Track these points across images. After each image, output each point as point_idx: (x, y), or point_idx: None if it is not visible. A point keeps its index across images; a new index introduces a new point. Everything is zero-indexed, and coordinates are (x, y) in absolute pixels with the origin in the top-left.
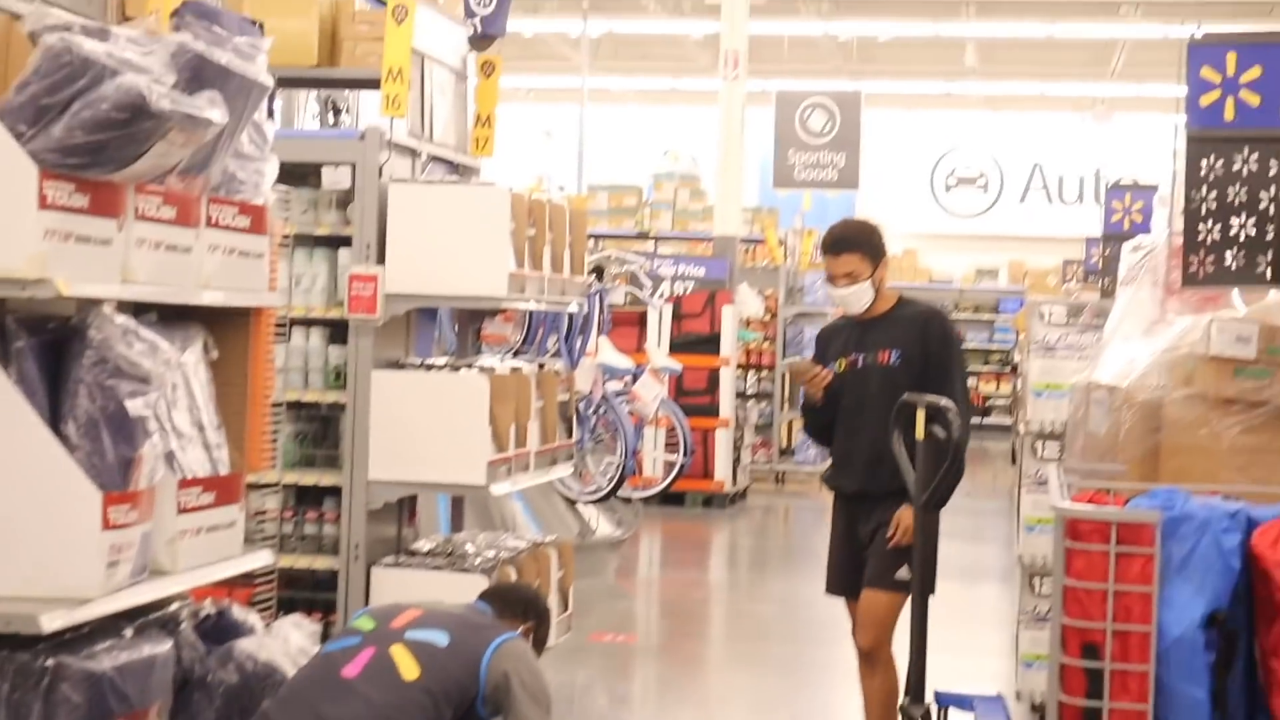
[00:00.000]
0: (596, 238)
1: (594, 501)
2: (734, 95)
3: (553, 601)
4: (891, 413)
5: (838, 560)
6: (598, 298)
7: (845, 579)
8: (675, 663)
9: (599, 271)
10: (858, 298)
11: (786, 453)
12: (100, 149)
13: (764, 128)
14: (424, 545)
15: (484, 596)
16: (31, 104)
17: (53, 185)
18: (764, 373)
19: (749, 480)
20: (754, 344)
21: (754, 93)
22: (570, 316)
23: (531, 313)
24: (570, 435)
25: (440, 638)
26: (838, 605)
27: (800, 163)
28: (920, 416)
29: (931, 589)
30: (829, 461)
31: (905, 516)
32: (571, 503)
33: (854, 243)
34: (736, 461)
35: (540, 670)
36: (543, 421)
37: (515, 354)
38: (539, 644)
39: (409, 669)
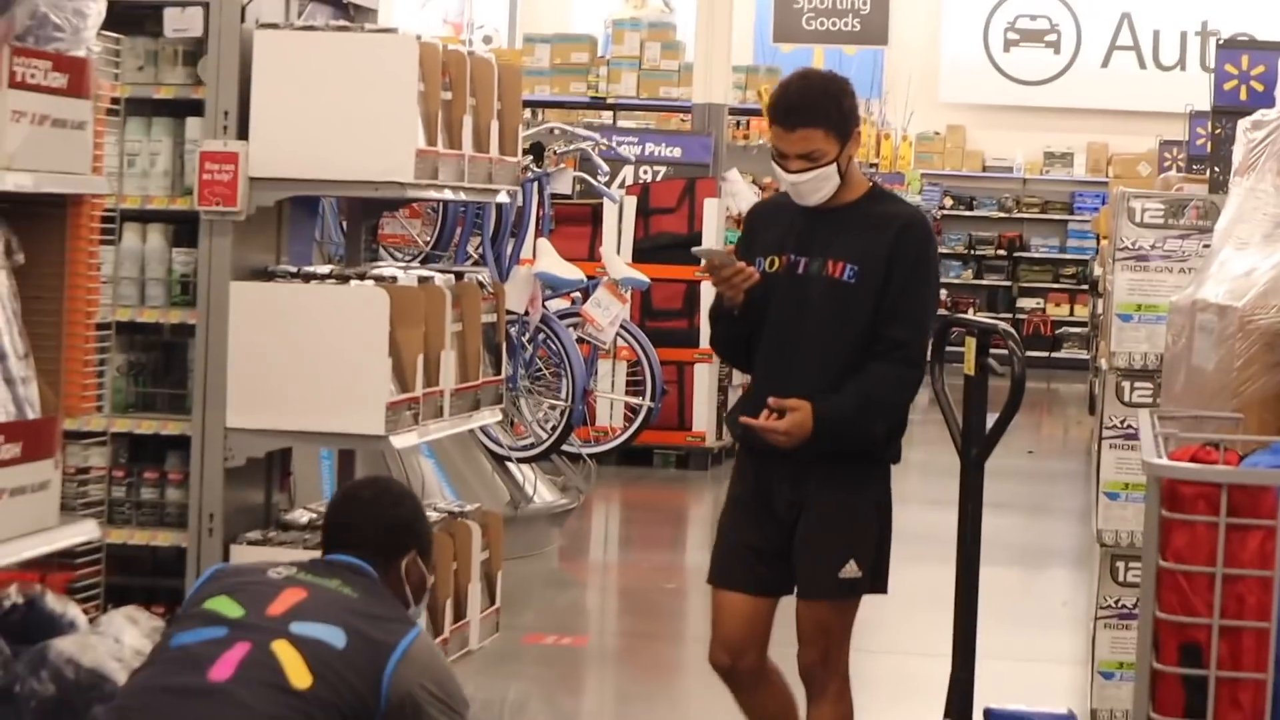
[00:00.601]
0: (535, 106)
1: (531, 459)
2: None
3: (474, 592)
4: (839, 344)
5: (732, 539)
6: (535, 186)
7: (738, 566)
8: (637, 672)
9: (538, 151)
10: (817, 186)
11: None
12: None
13: None
14: (301, 516)
15: (350, 547)
16: None
17: None
18: None
19: None
20: None
21: None
22: (499, 210)
23: (447, 205)
24: (498, 370)
25: (334, 636)
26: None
27: (810, 9)
28: (970, 345)
29: (883, 584)
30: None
31: (801, 415)
32: (501, 461)
33: (816, 111)
34: (722, 406)
35: (451, 672)
36: (461, 351)
37: (425, 261)
38: (426, 558)
39: (298, 675)
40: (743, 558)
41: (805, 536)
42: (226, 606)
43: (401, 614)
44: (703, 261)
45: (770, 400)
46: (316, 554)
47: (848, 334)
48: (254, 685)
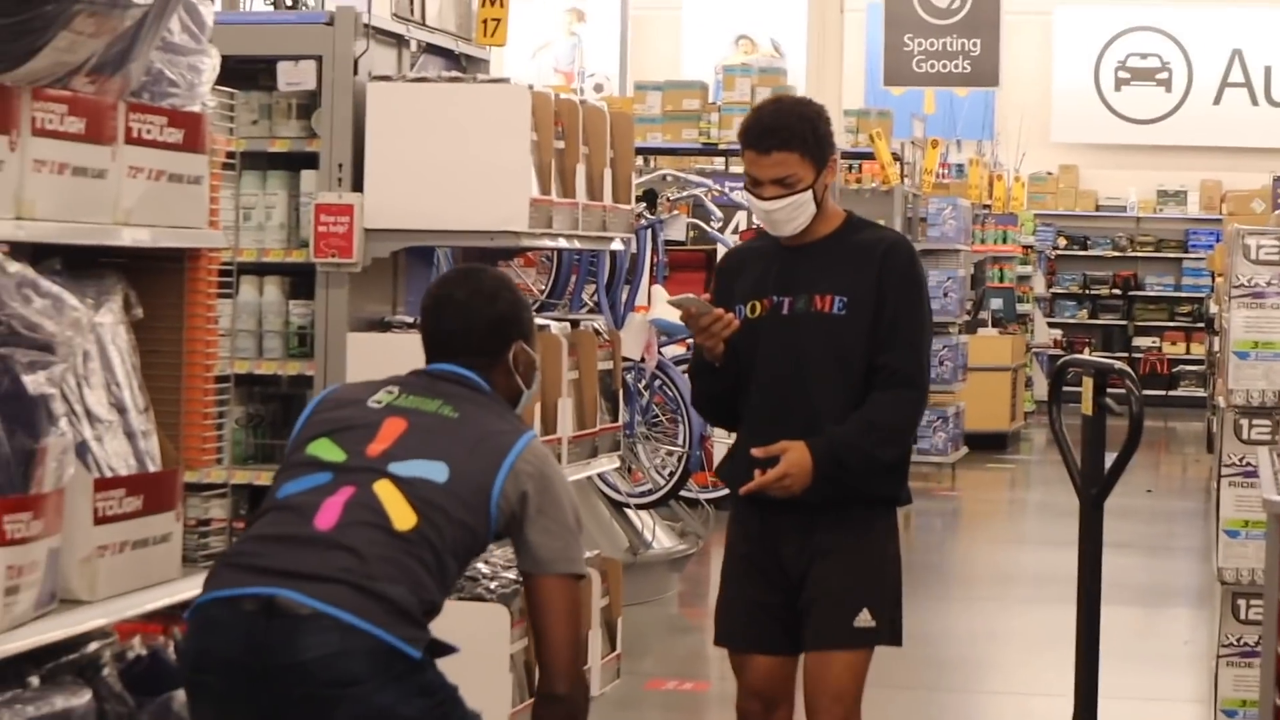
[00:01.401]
0: (647, 153)
1: (649, 505)
2: None
3: (595, 640)
4: (837, 382)
5: (740, 598)
6: (649, 233)
7: (753, 627)
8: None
9: (651, 198)
10: (791, 215)
11: None
12: None
13: (870, 5)
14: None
15: (453, 354)
16: None
17: None
18: None
19: None
20: None
21: None
22: (613, 258)
23: (561, 253)
24: (615, 417)
25: (436, 471)
26: (973, 646)
27: (920, 51)
28: (1087, 386)
29: (899, 636)
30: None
31: (796, 454)
32: (619, 507)
33: (791, 134)
34: None
35: (562, 479)
36: (578, 399)
37: (540, 309)
38: (530, 341)
39: (402, 515)
40: (754, 617)
41: (816, 586)
42: (328, 450)
43: (510, 424)
44: (680, 309)
45: (754, 452)
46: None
47: (846, 369)
48: (359, 530)
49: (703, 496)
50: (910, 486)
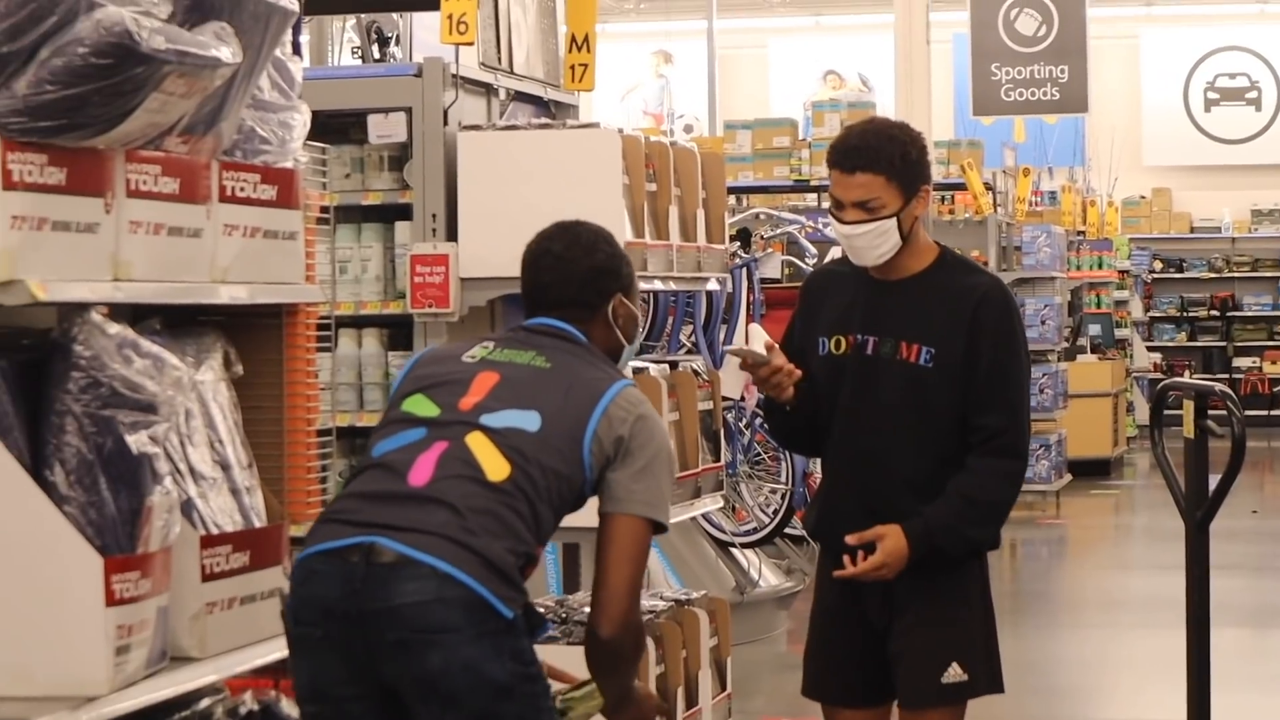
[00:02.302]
0: (739, 192)
1: (754, 544)
2: None
3: (705, 680)
4: (920, 433)
5: (829, 649)
6: (744, 272)
7: (841, 678)
8: None
9: (745, 237)
10: (874, 243)
11: None
12: (78, 106)
13: (956, 36)
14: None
15: (553, 307)
16: None
17: (19, 157)
18: None
19: None
20: None
21: None
22: (710, 298)
23: (657, 295)
24: (717, 457)
25: (528, 420)
26: (1083, 673)
27: (1007, 80)
28: (1188, 409)
29: (998, 683)
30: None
31: (893, 541)
32: (724, 547)
33: (877, 155)
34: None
35: (660, 424)
36: (680, 440)
37: (639, 352)
38: (631, 295)
39: (495, 466)
40: (841, 671)
41: (901, 642)
42: (422, 406)
43: (604, 371)
44: (740, 360)
45: (849, 540)
46: (548, 646)
47: (929, 424)
48: (453, 484)
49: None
50: (1012, 517)
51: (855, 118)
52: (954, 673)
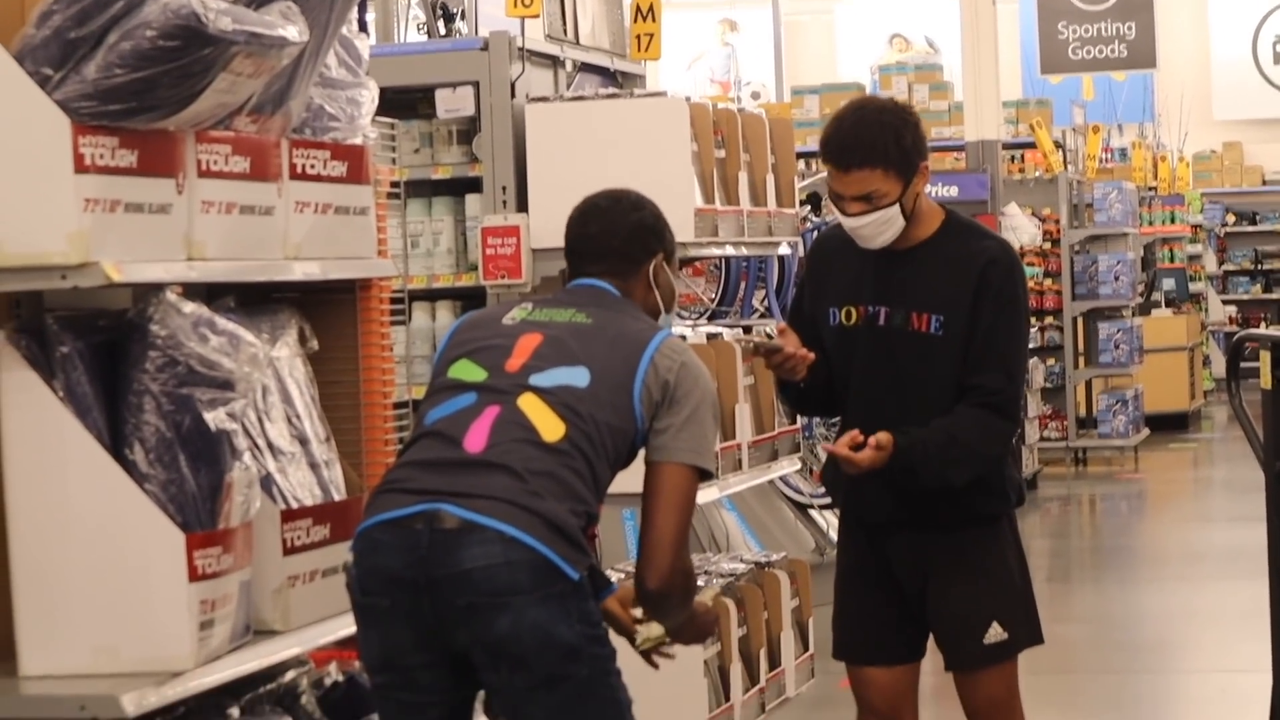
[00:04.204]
0: (808, 157)
1: (831, 506)
2: None
3: (789, 641)
4: (935, 403)
5: (855, 609)
6: (815, 236)
7: (873, 637)
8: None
9: (815, 201)
10: (878, 230)
11: (1086, 424)
12: (147, 89)
13: None
14: (609, 575)
15: (594, 260)
16: (56, 39)
17: (90, 141)
18: (1049, 319)
19: (1037, 464)
20: (1033, 281)
21: None
22: (781, 263)
23: (729, 261)
24: (794, 420)
25: (576, 376)
26: (1166, 626)
27: (1075, 38)
28: (1265, 360)
29: (1038, 635)
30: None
31: (885, 439)
32: (803, 509)
33: (873, 150)
34: (1020, 440)
35: (705, 376)
36: (756, 404)
37: (712, 317)
38: (671, 262)
39: (549, 426)
40: (869, 630)
41: (938, 609)
42: (469, 371)
43: (645, 322)
44: (756, 352)
45: (866, 438)
46: None
47: (942, 391)
48: (510, 447)
49: None
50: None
51: (923, 80)
52: (995, 632)
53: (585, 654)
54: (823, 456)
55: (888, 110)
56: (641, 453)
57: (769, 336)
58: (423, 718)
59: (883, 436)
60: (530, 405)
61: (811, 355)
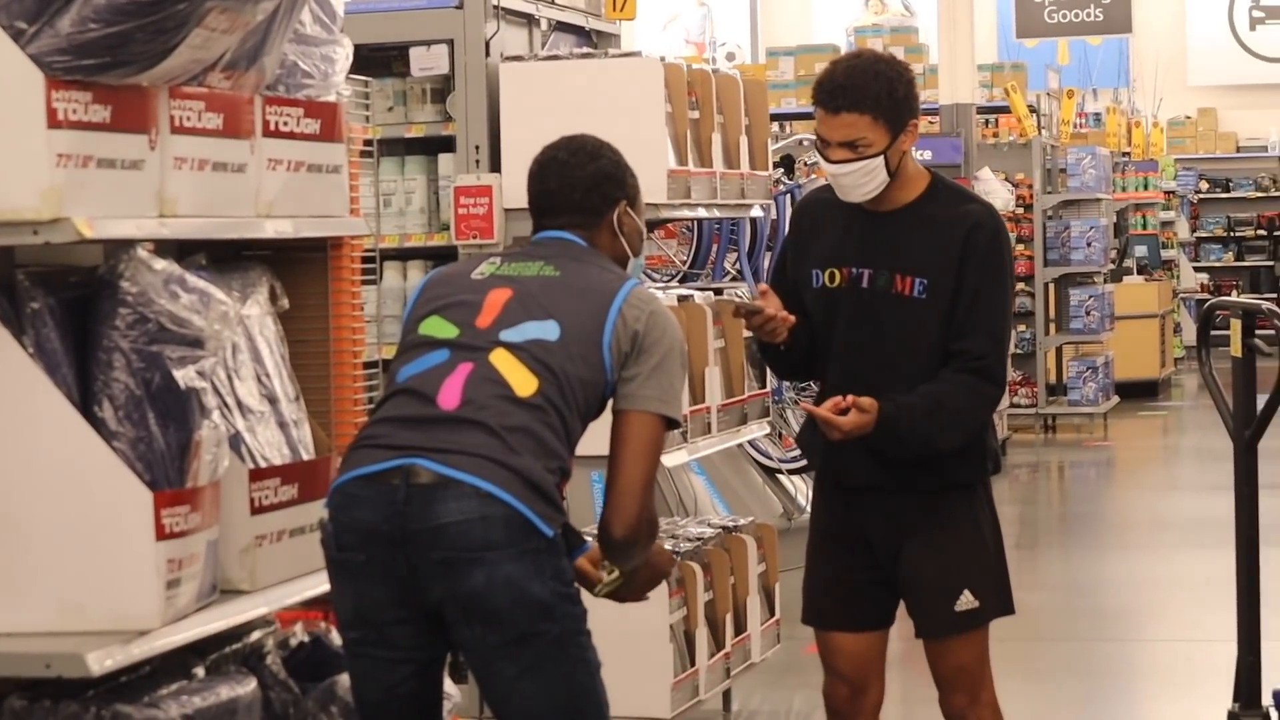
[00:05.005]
0: (782, 119)
1: (801, 470)
2: None
3: (754, 606)
4: (915, 366)
5: (826, 574)
6: (789, 198)
7: (839, 603)
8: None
9: (788, 164)
10: (860, 181)
11: (1056, 391)
12: (121, 43)
13: None
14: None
15: (557, 214)
16: None
17: (64, 95)
18: (1021, 285)
19: (1007, 430)
20: None
21: None
22: (754, 225)
23: (701, 223)
24: (763, 384)
25: (546, 330)
26: (1132, 594)
27: (1051, 2)
28: (1235, 328)
29: (1008, 605)
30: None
31: (869, 404)
32: (771, 473)
33: (863, 94)
34: None
35: (673, 325)
36: (725, 367)
37: (683, 279)
38: (635, 206)
39: (522, 381)
40: (839, 595)
41: (911, 575)
42: (440, 328)
43: (614, 271)
44: (734, 313)
45: (849, 399)
46: None
47: (926, 355)
48: (484, 404)
49: None
50: (1059, 439)
51: (899, 42)
52: (966, 600)
53: (557, 612)
54: (792, 421)
55: (884, 61)
56: (610, 405)
57: (751, 297)
58: (394, 674)
59: (866, 400)
60: (502, 361)
61: (792, 318)
